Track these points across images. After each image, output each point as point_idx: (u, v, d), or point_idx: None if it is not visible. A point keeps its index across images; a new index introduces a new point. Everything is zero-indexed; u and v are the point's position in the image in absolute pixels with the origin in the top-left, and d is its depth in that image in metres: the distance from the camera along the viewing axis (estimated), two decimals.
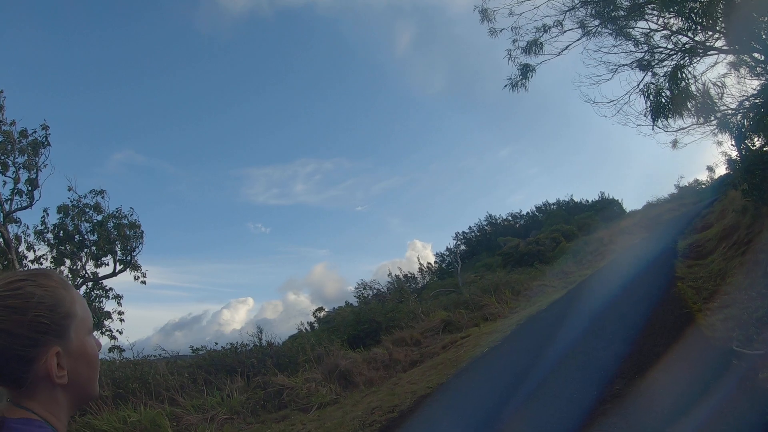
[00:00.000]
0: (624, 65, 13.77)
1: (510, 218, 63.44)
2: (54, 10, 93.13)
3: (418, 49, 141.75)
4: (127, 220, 16.03)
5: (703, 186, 53.27)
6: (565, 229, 43.34)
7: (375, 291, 24.01)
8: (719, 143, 18.30)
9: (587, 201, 62.82)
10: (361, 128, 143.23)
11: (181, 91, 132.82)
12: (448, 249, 55.37)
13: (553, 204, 64.63)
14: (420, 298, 24.35)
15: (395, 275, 38.94)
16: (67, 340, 1.30)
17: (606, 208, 55.14)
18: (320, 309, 40.52)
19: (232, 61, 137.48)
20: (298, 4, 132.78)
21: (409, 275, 46.05)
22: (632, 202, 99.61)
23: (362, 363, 13.75)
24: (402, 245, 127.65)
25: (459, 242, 58.12)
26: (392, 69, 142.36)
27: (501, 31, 14.21)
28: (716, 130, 14.38)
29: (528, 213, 64.09)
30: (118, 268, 15.96)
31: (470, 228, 60.06)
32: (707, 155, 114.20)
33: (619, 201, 60.03)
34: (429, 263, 49.13)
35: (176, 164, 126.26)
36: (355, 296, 22.32)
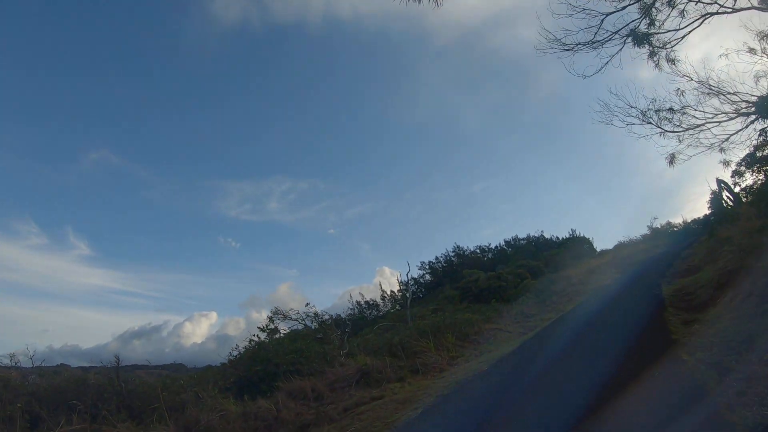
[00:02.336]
0: None
1: (478, 251, 60.37)
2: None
3: (402, 76, 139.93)
4: None
5: (675, 229, 52.93)
6: (532, 264, 40.48)
7: (293, 322, 20.09)
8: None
9: (557, 237, 60.84)
10: (339, 150, 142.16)
11: (163, 96, 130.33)
12: (412, 278, 52.05)
13: (523, 239, 62.41)
14: (356, 334, 20.74)
15: (356, 301, 35.68)
16: None
17: (576, 246, 53.17)
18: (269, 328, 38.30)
19: (217, 71, 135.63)
20: (288, 22, 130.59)
21: (371, 302, 43.58)
22: (603, 241, 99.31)
23: (236, 420, 10.15)
24: (371, 271, 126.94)
25: (424, 272, 54.67)
26: (372, 93, 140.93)
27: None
28: None
29: (497, 246, 61.16)
30: None
31: (437, 258, 56.55)
32: (686, 192, 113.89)
33: (590, 239, 58.42)
34: (392, 291, 47.59)
35: (151, 170, 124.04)
36: (259, 328, 18.44)
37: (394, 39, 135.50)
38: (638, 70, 51.41)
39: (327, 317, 20.44)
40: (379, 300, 44.50)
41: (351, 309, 37.98)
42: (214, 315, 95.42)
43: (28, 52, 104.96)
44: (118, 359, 12.54)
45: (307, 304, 20.55)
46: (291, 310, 19.90)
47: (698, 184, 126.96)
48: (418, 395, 10.32)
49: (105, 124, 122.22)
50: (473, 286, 32.12)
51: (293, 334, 19.39)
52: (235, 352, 17.06)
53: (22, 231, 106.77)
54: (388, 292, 46.78)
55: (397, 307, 43.41)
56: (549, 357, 10.71)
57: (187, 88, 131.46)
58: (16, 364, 13.87)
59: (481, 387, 9.81)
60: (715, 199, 31.70)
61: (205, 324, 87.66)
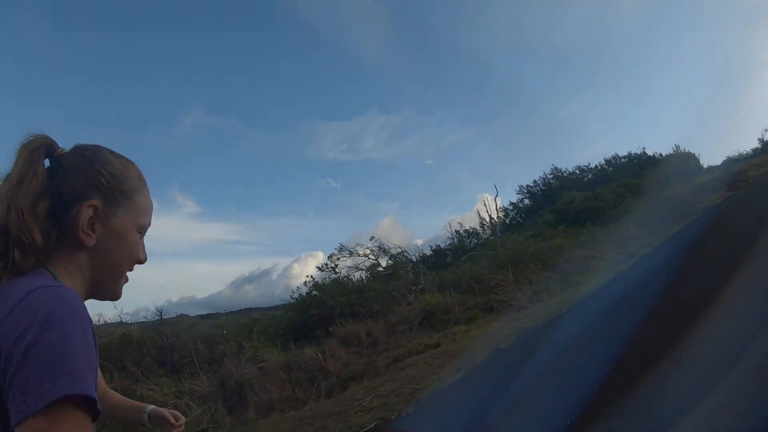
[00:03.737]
0: None
1: (577, 171, 56.62)
2: None
3: None
4: None
5: None
6: (633, 183, 36.87)
7: (362, 258, 18.33)
8: None
9: (660, 154, 55.10)
10: (430, 78, 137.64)
11: (246, 47, 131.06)
12: (510, 203, 51.31)
13: (624, 157, 57.01)
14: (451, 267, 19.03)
15: (454, 230, 33.97)
16: (113, 210, 1.31)
17: (681, 162, 48.26)
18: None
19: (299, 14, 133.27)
20: None
21: (471, 230, 42.22)
22: (710, 157, 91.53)
23: (276, 371, 8.93)
24: (472, 199, 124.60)
25: (523, 196, 51.97)
26: (461, 12, 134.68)
27: None
28: None
29: (596, 166, 56.64)
30: None
31: (535, 182, 53.53)
32: None
33: (696, 155, 52.51)
34: (491, 217, 46.30)
35: (246, 121, 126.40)
36: (318, 267, 16.93)
37: None
38: None
39: (399, 250, 18.60)
40: (478, 227, 42.84)
41: (450, 238, 36.12)
42: (320, 254, 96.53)
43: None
44: (161, 313, 11.84)
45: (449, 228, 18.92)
46: (358, 245, 18.27)
47: None
48: (475, 345, 8.63)
49: (196, 84, 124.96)
50: (569, 209, 29.56)
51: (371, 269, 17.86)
52: (296, 295, 15.85)
53: None
54: (487, 219, 45.53)
55: (497, 234, 41.65)
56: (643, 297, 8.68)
57: (269, 37, 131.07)
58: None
59: (548, 342, 7.83)
60: None
61: (312, 264, 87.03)
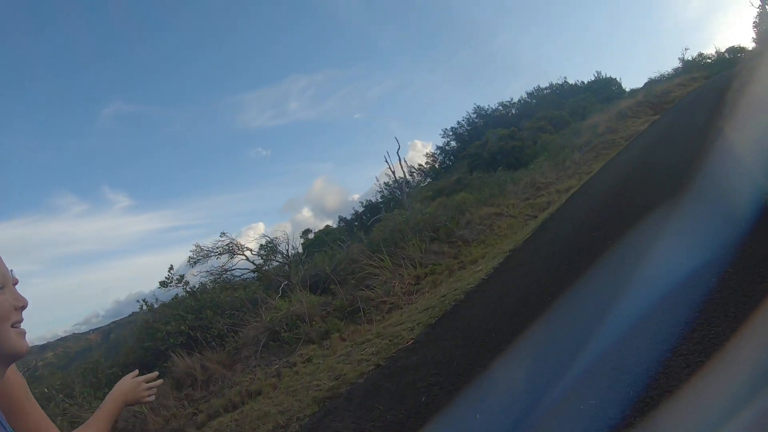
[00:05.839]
0: None
1: (501, 108, 54.43)
2: None
3: None
4: None
5: (709, 60, 48.47)
6: (554, 115, 34.70)
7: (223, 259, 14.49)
8: None
9: (582, 82, 54.37)
10: (347, 34, 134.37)
11: (156, 31, 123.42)
12: (438, 148, 49.51)
13: (546, 88, 56.42)
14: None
15: (382, 182, 30.90)
16: None
17: (603, 89, 47.69)
18: (307, 231, 35.53)
19: None
20: None
21: (401, 180, 40.03)
22: (632, 80, 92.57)
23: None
24: (404, 147, 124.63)
25: (448, 139, 49.34)
26: None
27: None
28: None
29: (519, 100, 55.31)
30: None
31: (458, 123, 51.02)
32: (715, 23, 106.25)
33: (618, 80, 52.17)
34: (420, 165, 45.63)
35: (167, 106, 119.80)
36: (160, 282, 12.70)
37: None
38: None
39: (267, 239, 14.74)
40: (408, 176, 41.17)
41: (380, 191, 33.30)
42: (261, 225, 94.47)
43: None
44: None
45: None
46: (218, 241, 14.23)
47: (727, 14, 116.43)
48: (309, 387, 5.85)
49: (109, 75, 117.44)
50: (483, 151, 26.65)
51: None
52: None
53: (63, 205, 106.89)
54: (416, 166, 44.44)
55: (428, 180, 41.25)
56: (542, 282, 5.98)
57: (179, 18, 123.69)
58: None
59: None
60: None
61: (254, 236, 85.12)
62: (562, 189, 14.01)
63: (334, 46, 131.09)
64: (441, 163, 46.58)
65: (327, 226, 35.83)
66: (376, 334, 6.93)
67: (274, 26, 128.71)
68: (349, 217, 39.10)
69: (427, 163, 46.97)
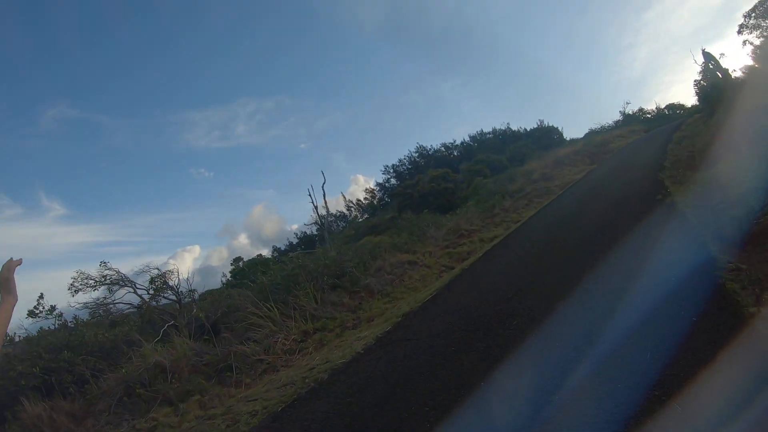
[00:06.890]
0: None
1: (443, 148, 54.40)
2: None
3: None
4: None
5: (649, 116, 51.55)
6: (493, 159, 34.22)
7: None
8: None
9: (525, 129, 54.89)
10: (299, 63, 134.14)
11: (109, 38, 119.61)
12: (378, 184, 49.13)
13: (489, 133, 56.89)
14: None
15: (319, 215, 29.74)
16: None
17: (544, 137, 48.32)
18: (239, 259, 34.04)
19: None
20: None
21: (338, 214, 39.32)
22: (574, 130, 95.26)
23: None
24: (346, 181, 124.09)
25: (389, 176, 48.84)
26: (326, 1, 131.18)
27: None
28: None
29: (462, 142, 55.76)
30: None
31: (400, 161, 50.68)
32: (656, 82, 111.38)
33: (559, 129, 53.51)
34: (358, 200, 45.47)
35: (112, 115, 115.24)
36: (30, 312, 10.98)
37: None
38: None
39: (158, 273, 12.92)
40: (345, 210, 42.58)
41: (315, 223, 32.46)
42: (197, 249, 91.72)
43: None
44: None
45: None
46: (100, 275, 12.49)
47: (667, 74, 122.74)
48: None
49: (56, 78, 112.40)
50: (414, 191, 25.73)
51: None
52: None
53: None
54: (354, 201, 44.48)
55: (365, 216, 40.39)
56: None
57: (133, 26, 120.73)
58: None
59: None
60: (710, 71, 26.36)
61: (189, 259, 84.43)
62: (486, 238, 13.06)
63: (286, 74, 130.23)
64: (379, 200, 45.59)
65: (259, 255, 34.48)
66: (225, 410, 5.58)
67: (227, 47, 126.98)
68: (283, 248, 37.96)
69: (365, 198, 46.29)
